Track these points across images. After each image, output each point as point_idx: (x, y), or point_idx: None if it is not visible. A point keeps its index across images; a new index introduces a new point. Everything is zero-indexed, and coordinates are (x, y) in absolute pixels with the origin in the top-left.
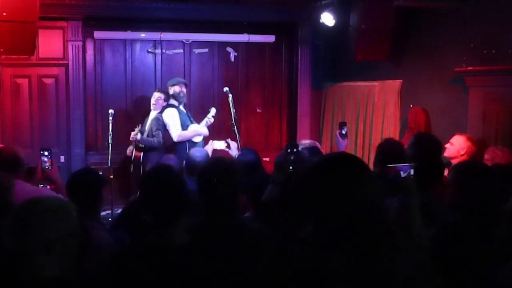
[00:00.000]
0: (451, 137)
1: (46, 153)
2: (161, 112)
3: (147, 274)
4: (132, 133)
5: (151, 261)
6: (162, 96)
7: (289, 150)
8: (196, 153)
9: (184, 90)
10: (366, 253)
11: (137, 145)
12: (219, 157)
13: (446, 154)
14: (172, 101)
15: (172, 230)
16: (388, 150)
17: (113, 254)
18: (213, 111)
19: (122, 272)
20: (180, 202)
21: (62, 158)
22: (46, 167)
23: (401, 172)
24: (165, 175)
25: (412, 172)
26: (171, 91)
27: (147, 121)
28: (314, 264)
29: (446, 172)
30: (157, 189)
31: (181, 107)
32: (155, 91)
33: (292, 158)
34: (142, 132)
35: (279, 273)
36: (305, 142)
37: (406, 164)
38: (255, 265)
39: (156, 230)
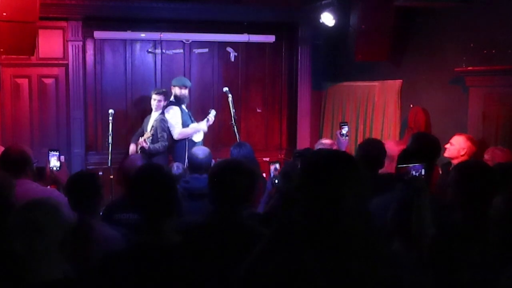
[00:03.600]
0: (451, 137)
1: (55, 153)
2: (163, 112)
3: (138, 273)
4: (142, 138)
5: (142, 260)
6: (162, 97)
7: (296, 158)
8: (198, 151)
9: (185, 92)
10: (343, 252)
11: (143, 149)
12: (233, 159)
13: (446, 154)
14: (174, 100)
15: (162, 229)
16: (368, 149)
17: (104, 254)
18: (213, 113)
19: (114, 272)
20: (171, 201)
21: (62, 158)
22: (55, 168)
23: (413, 172)
24: (155, 174)
25: (423, 171)
26: (173, 91)
27: (148, 121)
28: (291, 266)
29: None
30: (147, 188)
31: (183, 106)
32: (153, 92)
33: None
34: (152, 135)
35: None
36: (325, 142)
37: (417, 164)
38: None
39: (146, 229)
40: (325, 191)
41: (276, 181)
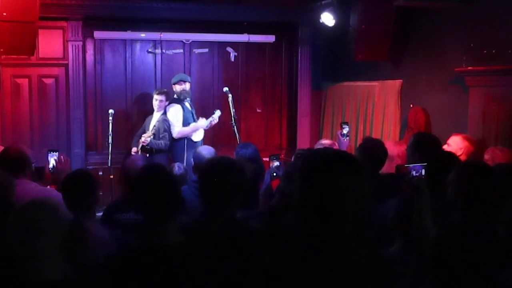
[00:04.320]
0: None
1: (54, 154)
2: (165, 112)
3: (141, 275)
4: (144, 136)
5: (145, 262)
6: (164, 97)
7: (299, 159)
8: (203, 151)
9: (186, 86)
10: (340, 254)
11: (143, 146)
12: (221, 157)
13: None
14: (176, 97)
15: (165, 229)
16: (369, 149)
17: (107, 255)
18: (217, 113)
19: (117, 273)
20: (173, 201)
21: (64, 157)
22: (55, 168)
23: (413, 172)
24: (158, 174)
25: (423, 172)
26: (174, 89)
27: (149, 121)
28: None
29: None
30: (150, 188)
31: (187, 103)
32: (154, 93)
33: None
34: (154, 134)
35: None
36: (325, 142)
37: (418, 164)
38: (249, 265)
39: (149, 230)
40: (325, 192)
41: (275, 174)
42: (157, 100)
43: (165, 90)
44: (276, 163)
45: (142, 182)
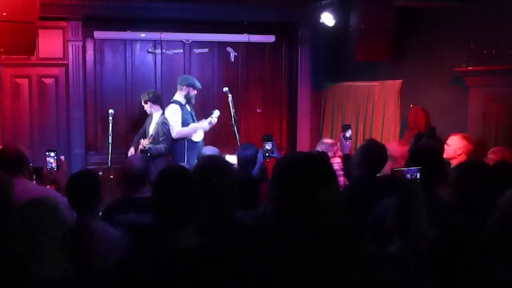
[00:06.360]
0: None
1: (52, 154)
2: (163, 112)
3: (157, 278)
4: (143, 142)
5: (161, 264)
6: (149, 103)
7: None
8: (207, 151)
9: (194, 92)
10: (320, 248)
11: (142, 151)
12: (213, 155)
13: (444, 155)
14: (178, 98)
15: (182, 231)
16: (371, 152)
17: (122, 257)
18: (216, 113)
19: (132, 276)
20: (192, 204)
21: (62, 158)
22: (53, 168)
23: (408, 175)
24: (179, 176)
25: (418, 175)
26: (181, 89)
27: (150, 121)
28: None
29: None
30: (169, 190)
31: (187, 105)
32: (141, 99)
33: None
34: (153, 138)
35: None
36: (327, 141)
37: (413, 167)
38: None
39: (166, 232)
40: (300, 189)
41: (267, 154)
42: (147, 106)
43: (148, 93)
44: (269, 144)
45: (163, 183)
